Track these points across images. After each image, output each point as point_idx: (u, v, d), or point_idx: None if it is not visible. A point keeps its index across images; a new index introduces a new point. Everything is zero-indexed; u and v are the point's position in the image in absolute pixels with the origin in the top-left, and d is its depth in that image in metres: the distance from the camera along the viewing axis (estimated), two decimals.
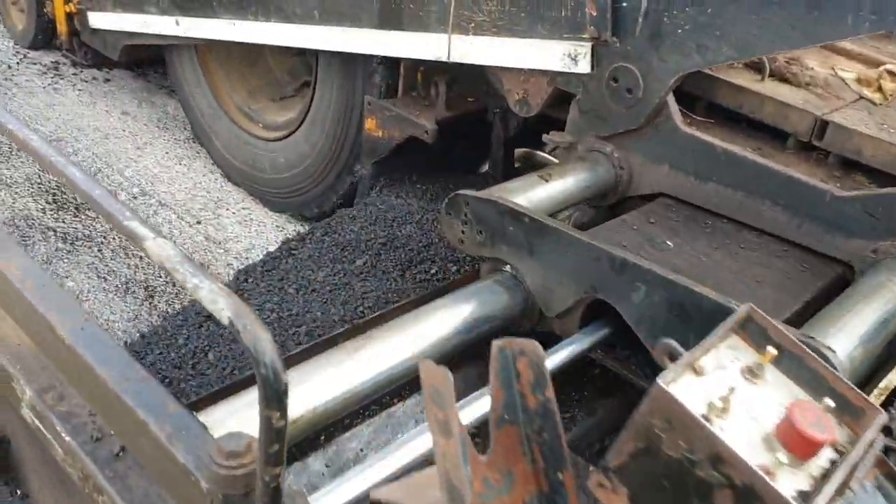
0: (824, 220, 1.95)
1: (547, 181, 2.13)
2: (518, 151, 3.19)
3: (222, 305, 0.92)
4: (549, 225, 1.78)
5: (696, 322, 1.59)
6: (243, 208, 3.17)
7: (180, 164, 3.40)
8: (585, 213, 2.41)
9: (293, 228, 3.09)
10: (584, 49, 2.22)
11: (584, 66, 2.24)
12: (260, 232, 3.00)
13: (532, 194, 2.07)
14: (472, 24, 2.48)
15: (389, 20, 2.71)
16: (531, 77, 2.43)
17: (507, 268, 1.93)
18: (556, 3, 2.24)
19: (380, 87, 2.99)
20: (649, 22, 2.08)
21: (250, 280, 2.46)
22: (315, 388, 1.50)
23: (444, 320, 1.75)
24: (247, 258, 2.77)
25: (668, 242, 1.99)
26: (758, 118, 2.20)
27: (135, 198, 3.06)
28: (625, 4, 2.12)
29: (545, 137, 2.45)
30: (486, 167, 3.46)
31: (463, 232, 1.97)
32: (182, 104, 3.65)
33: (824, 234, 1.96)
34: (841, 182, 2.04)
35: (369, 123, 3.01)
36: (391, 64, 2.94)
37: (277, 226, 3.09)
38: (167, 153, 3.50)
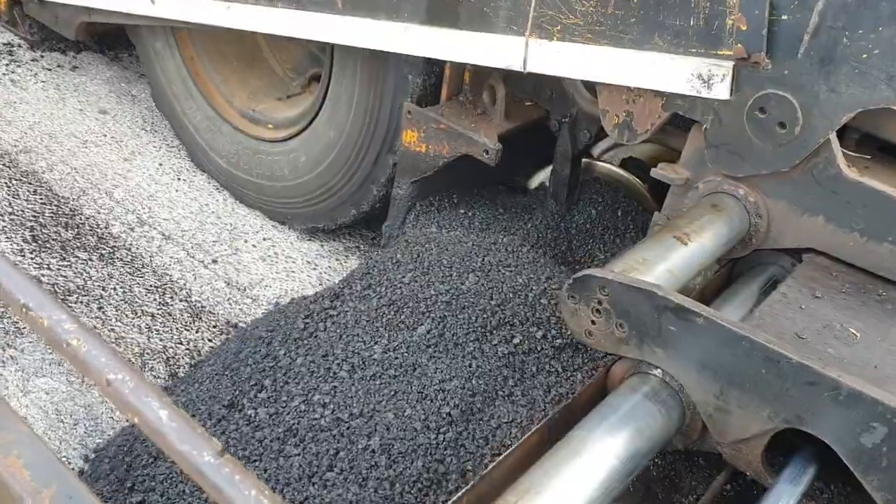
0: None
1: (686, 244, 1.68)
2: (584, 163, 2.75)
3: None
4: (738, 333, 1.33)
5: None
6: (264, 238, 2.64)
7: (179, 179, 2.84)
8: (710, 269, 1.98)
9: (326, 265, 2.58)
10: (722, 70, 1.75)
11: (720, 91, 1.77)
12: (290, 271, 2.49)
13: (673, 265, 1.62)
14: (559, 27, 1.99)
15: (441, 15, 2.20)
16: (639, 97, 1.95)
17: (657, 372, 1.49)
18: (684, 10, 1.76)
19: (415, 88, 2.48)
20: (820, 42, 1.62)
21: (283, 353, 1.98)
22: None
23: (595, 465, 1.30)
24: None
25: (851, 329, 1.56)
26: None
27: (132, 229, 2.51)
28: (785, 17, 1.65)
29: (654, 172, 1.99)
30: (535, 182, 3.00)
31: (593, 323, 1.52)
32: (172, 124, 3.07)
33: None
34: None
35: (409, 136, 2.50)
36: (431, 60, 2.43)
37: (308, 261, 2.58)
38: (161, 165, 2.93)
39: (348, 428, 1.70)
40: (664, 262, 1.60)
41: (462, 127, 2.37)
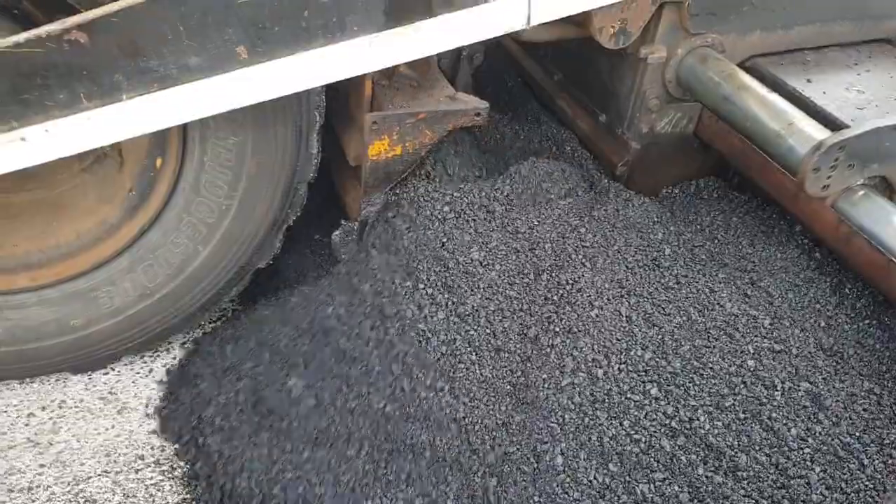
0: (874, 15, 2.51)
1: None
2: None
3: None
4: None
5: None
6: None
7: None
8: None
9: None
10: None
11: None
12: None
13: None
14: None
15: (409, 12, 1.91)
16: (633, 3, 2.16)
17: (861, 182, 2.01)
18: None
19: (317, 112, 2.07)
20: None
21: None
22: None
23: None
24: None
25: (857, 86, 2.30)
26: None
27: None
28: None
29: (648, 58, 2.27)
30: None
31: (829, 177, 1.94)
32: None
33: (875, 25, 2.53)
34: None
35: (377, 147, 2.19)
36: None
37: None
38: None
39: None
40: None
41: (440, 105, 2.18)
